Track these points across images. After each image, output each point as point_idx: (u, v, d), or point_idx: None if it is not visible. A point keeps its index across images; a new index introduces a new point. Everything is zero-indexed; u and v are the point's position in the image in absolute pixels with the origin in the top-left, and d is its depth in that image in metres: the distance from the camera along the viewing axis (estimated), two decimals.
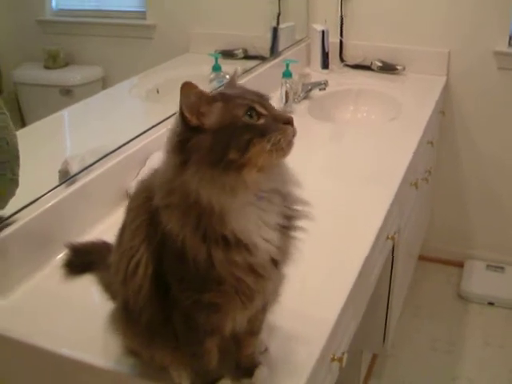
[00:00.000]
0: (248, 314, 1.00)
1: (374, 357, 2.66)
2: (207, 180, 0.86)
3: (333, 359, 1.33)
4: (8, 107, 1.64)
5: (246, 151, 0.86)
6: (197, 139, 0.87)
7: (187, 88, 0.87)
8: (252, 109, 0.88)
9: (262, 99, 0.91)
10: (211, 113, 0.88)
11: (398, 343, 2.72)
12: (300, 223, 0.98)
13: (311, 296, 1.32)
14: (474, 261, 3.22)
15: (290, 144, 0.90)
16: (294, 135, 0.90)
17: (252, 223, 0.91)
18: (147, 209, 0.96)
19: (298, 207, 0.98)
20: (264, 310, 1.06)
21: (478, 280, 3.10)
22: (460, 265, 3.23)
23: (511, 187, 3.07)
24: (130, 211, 1.02)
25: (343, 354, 1.37)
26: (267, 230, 0.92)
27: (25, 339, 1.25)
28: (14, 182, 1.19)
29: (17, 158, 1.18)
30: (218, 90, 0.94)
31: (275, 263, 0.95)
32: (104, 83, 1.94)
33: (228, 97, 0.90)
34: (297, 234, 0.98)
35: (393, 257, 2.16)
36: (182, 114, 0.87)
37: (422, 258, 3.25)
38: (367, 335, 2.34)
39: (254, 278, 0.92)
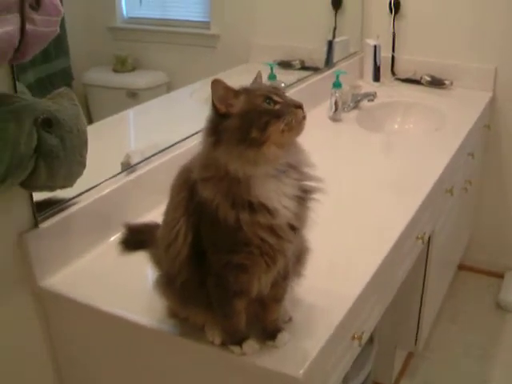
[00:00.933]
0: (271, 276, 1.16)
1: (409, 357, 2.75)
2: (235, 155, 1.06)
3: (353, 337, 1.47)
4: None
5: (265, 130, 1.05)
6: (226, 123, 1.07)
7: (217, 83, 1.07)
8: (269, 97, 1.08)
9: (278, 90, 1.11)
10: (237, 102, 1.07)
11: (434, 347, 2.81)
12: (314, 196, 1.16)
13: (336, 274, 1.48)
14: None
15: (300, 124, 1.10)
16: (303, 117, 1.09)
17: (272, 191, 1.09)
18: (187, 187, 1.14)
19: (313, 183, 1.15)
20: (286, 277, 1.22)
21: None
22: (501, 276, 3.29)
23: None
24: (172, 190, 1.21)
25: (362, 333, 1.51)
26: (285, 199, 1.10)
27: (85, 301, 1.43)
28: (81, 164, 1.35)
29: (85, 143, 1.35)
30: (244, 86, 1.13)
31: (293, 228, 1.12)
32: (168, 88, 2.05)
33: (250, 90, 1.11)
34: (311, 204, 1.16)
35: (427, 259, 2.29)
36: (213, 104, 1.08)
37: (462, 267, 3.34)
38: (400, 333, 2.46)
39: (275, 239, 1.10)
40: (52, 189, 1.35)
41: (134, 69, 1.96)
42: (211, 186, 1.09)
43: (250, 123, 1.06)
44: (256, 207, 1.08)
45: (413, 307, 2.43)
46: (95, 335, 1.50)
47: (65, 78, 1.68)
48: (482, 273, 3.38)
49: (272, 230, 1.10)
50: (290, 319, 1.33)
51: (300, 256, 1.27)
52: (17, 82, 1.33)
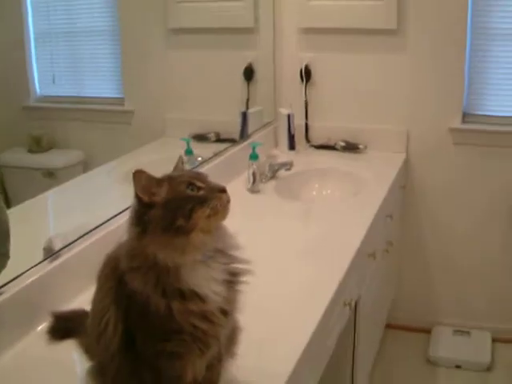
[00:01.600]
0: (205, 360, 1.14)
1: None
2: (162, 244, 1.05)
3: None
4: None
5: (191, 217, 1.06)
6: (150, 213, 1.06)
7: (139, 174, 1.07)
8: (192, 183, 1.09)
9: (200, 176, 1.12)
10: (160, 191, 1.08)
11: None
12: (243, 279, 1.15)
13: (267, 351, 1.45)
14: (441, 327, 3.33)
15: (225, 208, 1.10)
16: (228, 201, 1.11)
17: (202, 277, 1.08)
18: (115, 276, 1.11)
19: (240, 265, 1.15)
20: (220, 360, 1.20)
21: (446, 345, 3.21)
22: (428, 331, 3.33)
23: (470, 256, 3.22)
24: (99, 279, 1.18)
25: None
26: (214, 284, 1.10)
27: None
28: (4, 256, 1.30)
29: (7, 234, 1.29)
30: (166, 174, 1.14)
31: (224, 312, 1.11)
32: (85, 166, 2.02)
33: (172, 177, 1.11)
34: (241, 287, 1.15)
35: (355, 324, 2.29)
36: (136, 194, 1.07)
37: (389, 326, 3.36)
38: None
39: (207, 325, 1.08)
40: None
41: (49, 148, 1.93)
42: (140, 276, 1.07)
43: (174, 211, 1.06)
44: (187, 295, 1.07)
45: (344, 376, 2.41)
46: None
47: None
48: (410, 330, 3.41)
49: (204, 316, 1.08)
50: None
51: (232, 336, 1.25)
52: None
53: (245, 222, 2.18)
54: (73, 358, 1.42)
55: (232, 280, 1.14)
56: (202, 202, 1.07)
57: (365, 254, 2.21)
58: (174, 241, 1.06)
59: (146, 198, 1.07)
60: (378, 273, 2.63)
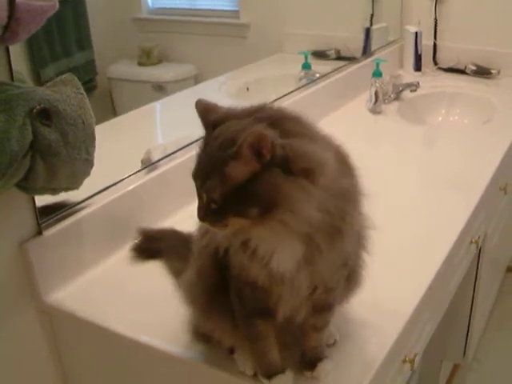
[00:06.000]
0: (295, 300, 0.98)
1: (455, 369, 2.57)
2: None
3: (404, 360, 1.30)
4: (101, 102, 1.68)
5: None
6: None
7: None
8: None
9: None
10: None
11: (481, 357, 2.63)
12: None
13: (387, 292, 1.29)
14: None
15: None
16: None
17: None
18: None
19: None
20: (330, 309, 1.04)
21: None
22: None
23: None
24: None
25: (415, 355, 1.34)
26: None
27: (97, 321, 1.27)
28: (88, 162, 1.19)
29: (92, 138, 1.19)
30: None
31: None
32: (196, 81, 1.95)
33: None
34: None
35: (478, 263, 2.11)
36: None
37: (510, 269, 3.14)
38: (447, 344, 2.29)
39: None
40: (54, 191, 1.19)
41: (160, 61, 1.88)
42: None
43: None
44: None
45: (462, 316, 2.25)
46: (107, 357, 1.34)
47: (88, 71, 1.60)
48: None
49: None
50: (335, 342, 1.16)
51: (351, 281, 1.09)
52: (15, 68, 1.16)
53: (365, 145, 2.04)
54: (161, 282, 1.33)
55: None
56: None
57: (496, 187, 2.00)
58: None
59: None
60: (507, 209, 2.41)
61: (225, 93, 2.09)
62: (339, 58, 2.64)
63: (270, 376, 1.05)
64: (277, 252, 0.89)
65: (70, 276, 1.37)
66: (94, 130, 1.19)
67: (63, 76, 1.18)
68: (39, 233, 1.30)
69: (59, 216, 1.35)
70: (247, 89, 2.15)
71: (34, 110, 1.06)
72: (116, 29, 1.71)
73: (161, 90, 1.91)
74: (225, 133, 0.87)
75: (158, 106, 1.86)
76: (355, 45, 2.78)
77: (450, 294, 1.70)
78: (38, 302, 1.32)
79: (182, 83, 1.95)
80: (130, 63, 1.83)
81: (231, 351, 1.12)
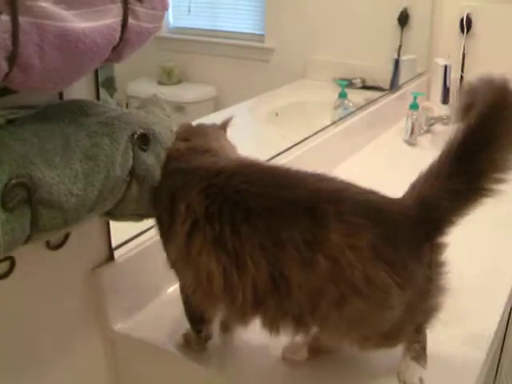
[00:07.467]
0: None
1: None
2: None
3: None
4: None
5: None
6: None
7: None
8: None
9: None
10: None
11: None
12: None
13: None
14: None
15: None
16: None
17: None
18: None
19: None
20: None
21: None
22: None
23: None
24: None
25: None
26: None
27: (171, 349, 1.20)
28: None
29: None
30: None
31: None
32: (216, 103, 1.92)
33: None
34: None
35: None
36: None
37: None
38: None
39: None
40: (141, 217, 1.13)
41: (180, 81, 1.86)
42: None
43: None
44: None
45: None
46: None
47: (108, 88, 1.53)
48: None
49: None
50: None
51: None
52: (100, 89, 1.12)
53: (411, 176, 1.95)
54: None
55: None
56: None
57: None
58: None
59: None
60: None
61: (254, 117, 2.07)
62: (364, 87, 2.62)
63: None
64: None
65: (140, 302, 1.31)
66: None
67: (150, 97, 1.17)
68: (111, 258, 1.24)
69: (131, 241, 1.30)
70: (276, 114, 2.11)
71: (136, 135, 1.01)
72: None
73: (180, 110, 1.86)
74: None
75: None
76: (380, 75, 2.76)
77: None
78: (105, 329, 1.26)
79: (202, 104, 1.93)
80: (149, 82, 1.81)
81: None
